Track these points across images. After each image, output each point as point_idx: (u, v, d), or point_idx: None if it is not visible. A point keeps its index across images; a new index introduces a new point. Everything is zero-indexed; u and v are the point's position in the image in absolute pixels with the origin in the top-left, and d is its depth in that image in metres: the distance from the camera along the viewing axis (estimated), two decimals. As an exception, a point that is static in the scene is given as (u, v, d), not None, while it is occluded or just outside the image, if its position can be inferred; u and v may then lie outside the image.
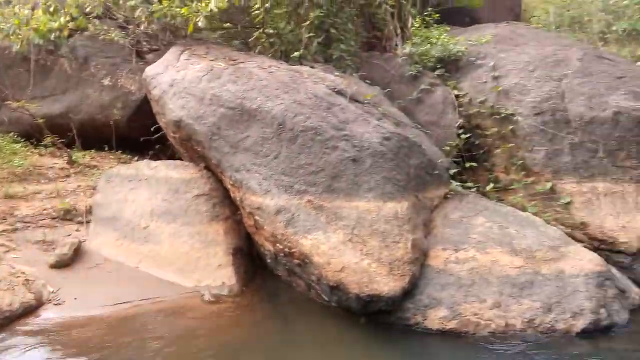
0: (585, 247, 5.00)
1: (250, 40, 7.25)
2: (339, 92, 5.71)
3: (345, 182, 4.87)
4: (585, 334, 4.27)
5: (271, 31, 6.82)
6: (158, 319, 4.65)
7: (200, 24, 6.58)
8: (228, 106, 5.47)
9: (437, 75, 6.79)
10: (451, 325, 4.39)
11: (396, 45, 7.41)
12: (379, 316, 4.55)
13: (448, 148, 6.13)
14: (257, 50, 6.98)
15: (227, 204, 5.68)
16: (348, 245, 4.59)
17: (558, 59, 6.28)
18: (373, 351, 4.27)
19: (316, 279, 4.73)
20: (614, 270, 4.91)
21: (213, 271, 5.24)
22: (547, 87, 5.95)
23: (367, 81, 6.62)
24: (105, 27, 7.62)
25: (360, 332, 4.54)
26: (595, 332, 4.30)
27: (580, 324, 4.29)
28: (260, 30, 6.86)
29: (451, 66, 6.87)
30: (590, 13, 13.91)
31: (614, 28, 13.78)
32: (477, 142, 6.27)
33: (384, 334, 4.46)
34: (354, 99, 5.72)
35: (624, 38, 11.60)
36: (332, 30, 6.80)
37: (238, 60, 6.26)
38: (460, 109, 6.41)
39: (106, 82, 7.87)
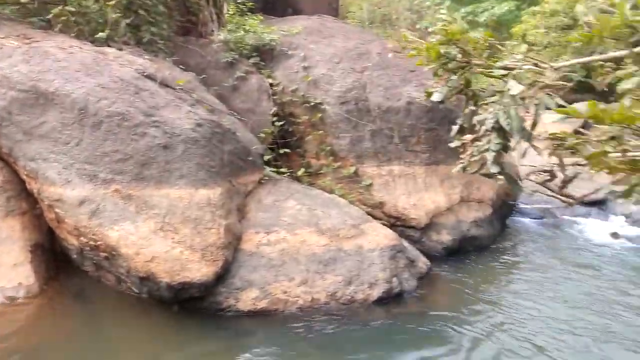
0: (383, 224, 5.55)
1: (51, 18, 6.57)
2: (149, 77, 5.48)
3: (156, 169, 4.74)
4: (380, 301, 4.75)
5: (73, 9, 6.25)
6: None
7: (-14, -4, 5.80)
8: (20, 89, 4.92)
9: (253, 63, 6.89)
10: (262, 304, 4.56)
11: (212, 31, 7.34)
12: (192, 303, 4.54)
13: (263, 135, 6.28)
14: (58, 29, 6.35)
15: (25, 197, 5.12)
16: (159, 234, 4.49)
17: (361, 52, 6.82)
18: (184, 338, 4.25)
19: (125, 271, 4.55)
20: (406, 243, 5.53)
21: (8, 271, 4.72)
22: (350, 79, 6.44)
23: (182, 67, 6.44)
24: None
25: (173, 320, 4.50)
26: (389, 299, 4.81)
27: (375, 293, 4.77)
28: (61, 7, 6.25)
29: (266, 55, 7.02)
30: (398, 11, 15.32)
31: (417, 26, 15.36)
32: (290, 129, 6.54)
33: (197, 320, 4.48)
34: (165, 84, 5.54)
35: (425, 35, 12.97)
36: (142, 12, 6.47)
37: (34, 39, 5.66)
38: (275, 97, 6.60)
39: None
